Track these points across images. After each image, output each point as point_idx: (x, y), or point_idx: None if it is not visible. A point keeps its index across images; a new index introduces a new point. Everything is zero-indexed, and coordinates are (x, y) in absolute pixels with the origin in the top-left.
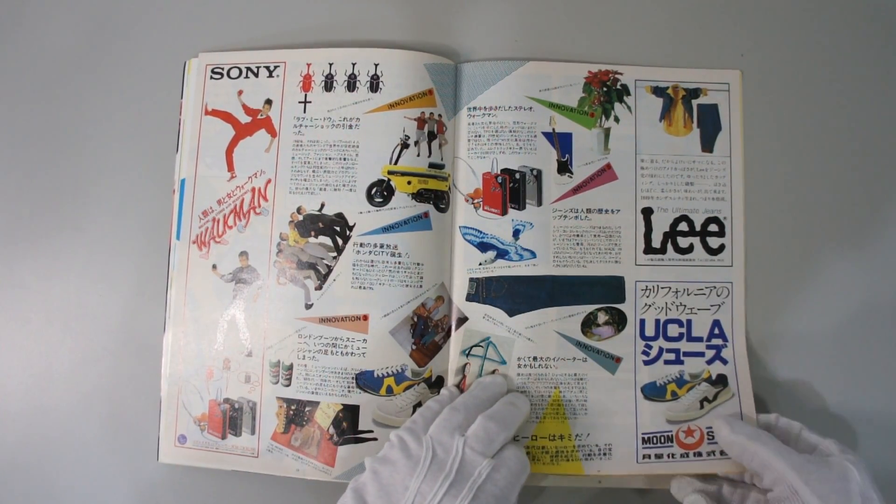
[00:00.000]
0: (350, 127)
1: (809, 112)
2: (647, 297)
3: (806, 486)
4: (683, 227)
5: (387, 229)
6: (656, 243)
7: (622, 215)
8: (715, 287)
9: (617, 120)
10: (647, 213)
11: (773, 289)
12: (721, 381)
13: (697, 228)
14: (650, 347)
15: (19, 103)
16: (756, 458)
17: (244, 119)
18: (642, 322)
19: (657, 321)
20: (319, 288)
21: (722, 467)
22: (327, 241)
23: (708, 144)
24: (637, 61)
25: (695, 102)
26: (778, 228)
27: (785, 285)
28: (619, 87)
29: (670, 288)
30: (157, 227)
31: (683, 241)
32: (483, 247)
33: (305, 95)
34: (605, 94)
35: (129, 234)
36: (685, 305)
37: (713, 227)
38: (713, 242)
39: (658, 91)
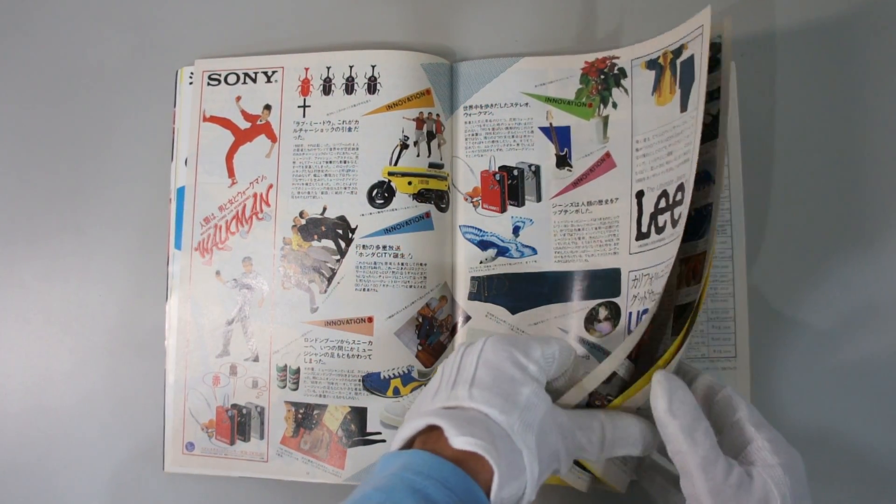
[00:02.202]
0: (349, 129)
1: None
2: (636, 287)
3: None
4: (662, 203)
5: (389, 230)
6: (644, 227)
7: (620, 203)
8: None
9: (615, 106)
10: (640, 196)
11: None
12: None
13: (670, 201)
14: None
15: (20, 106)
16: (679, 457)
17: (243, 125)
18: (629, 316)
19: (638, 313)
20: (324, 291)
21: None
22: (330, 244)
23: (685, 103)
24: (634, 41)
25: (678, 62)
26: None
27: (788, 281)
28: (616, 71)
29: (648, 274)
30: (157, 229)
31: (661, 219)
32: (483, 245)
33: (304, 100)
34: (603, 82)
35: (129, 235)
36: (656, 293)
37: (679, 196)
38: (678, 213)
39: (651, 64)
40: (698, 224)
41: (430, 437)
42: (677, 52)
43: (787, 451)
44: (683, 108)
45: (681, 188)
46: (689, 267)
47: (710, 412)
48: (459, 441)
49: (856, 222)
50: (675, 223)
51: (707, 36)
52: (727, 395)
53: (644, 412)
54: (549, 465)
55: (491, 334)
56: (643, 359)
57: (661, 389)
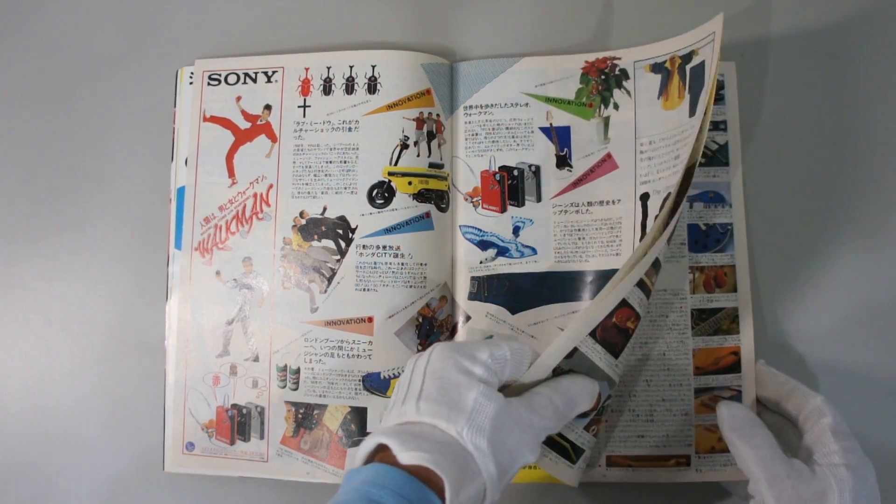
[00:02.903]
0: (349, 129)
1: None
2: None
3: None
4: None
5: (389, 230)
6: (649, 229)
7: (622, 205)
8: None
9: (616, 107)
10: (644, 198)
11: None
12: None
13: None
14: None
15: (19, 106)
16: (740, 459)
17: (244, 125)
18: None
19: None
20: (324, 291)
21: (725, 476)
22: (330, 244)
23: (693, 108)
24: (634, 43)
25: (688, 68)
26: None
27: (790, 277)
28: (617, 72)
29: None
30: (157, 229)
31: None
32: (483, 245)
33: (304, 100)
34: (604, 83)
35: (129, 235)
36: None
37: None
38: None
39: (657, 67)
40: (713, 238)
41: (388, 452)
42: (687, 57)
43: (860, 458)
44: (692, 112)
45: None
46: (706, 276)
47: (798, 418)
48: (406, 457)
49: (856, 222)
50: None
51: (718, 44)
52: (817, 404)
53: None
54: (513, 459)
55: (479, 333)
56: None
57: (721, 410)
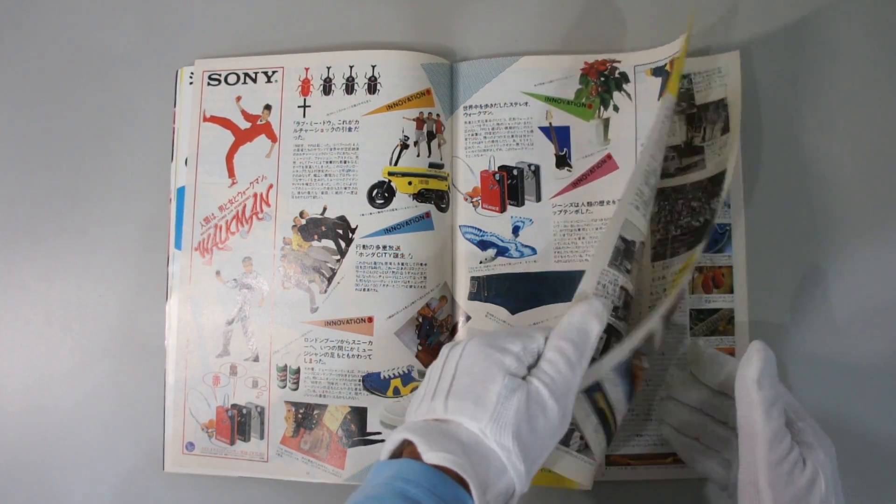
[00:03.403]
0: (349, 129)
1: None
2: None
3: (770, 492)
4: None
5: (389, 230)
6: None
7: None
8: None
9: (616, 109)
10: None
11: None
12: None
13: None
14: None
15: (20, 107)
16: (749, 425)
17: (244, 125)
18: None
19: None
20: (324, 291)
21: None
22: (330, 244)
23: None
24: (633, 44)
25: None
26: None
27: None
28: (617, 75)
29: None
30: (157, 229)
31: None
32: (483, 245)
33: (304, 100)
34: (603, 84)
35: (129, 235)
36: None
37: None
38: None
39: (657, 71)
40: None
41: (415, 448)
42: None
43: (824, 438)
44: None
45: None
46: (704, 277)
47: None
48: (431, 457)
49: (856, 222)
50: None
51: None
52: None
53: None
54: (543, 445)
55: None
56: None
57: (756, 359)
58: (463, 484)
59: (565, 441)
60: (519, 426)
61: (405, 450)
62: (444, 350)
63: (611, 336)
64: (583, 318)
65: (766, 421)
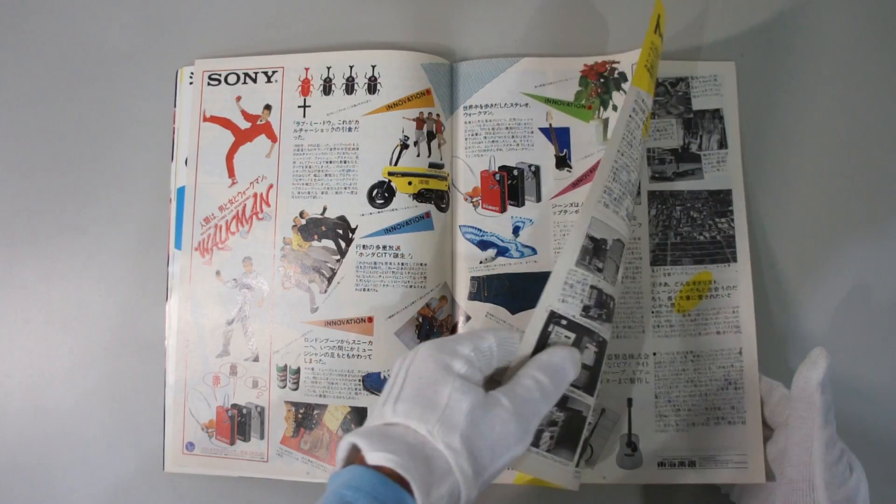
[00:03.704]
0: (349, 129)
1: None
2: None
3: (825, 491)
4: None
5: (389, 230)
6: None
7: None
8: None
9: (615, 108)
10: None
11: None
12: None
13: None
14: None
15: (20, 106)
16: (805, 426)
17: (244, 125)
18: None
19: None
20: (324, 291)
21: (724, 477)
22: (330, 244)
23: None
24: (633, 46)
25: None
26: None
27: (794, 279)
28: (616, 75)
29: None
30: (157, 229)
31: None
32: (483, 245)
33: (304, 100)
34: (603, 86)
35: (129, 235)
36: None
37: None
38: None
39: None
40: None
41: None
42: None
43: (853, 456)
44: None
45: None
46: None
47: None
48: (373, 457)
49: (857, 222)
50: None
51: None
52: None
53: None
54: (494, 454)
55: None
56: None
57: (822, 361)
58: (406, 485)
59: (535, 442)
60: (469, 429)
61: (357, 457)
62: (396, 361)
63: (582, 335)
64: (563, 361)
65: (825, 424)
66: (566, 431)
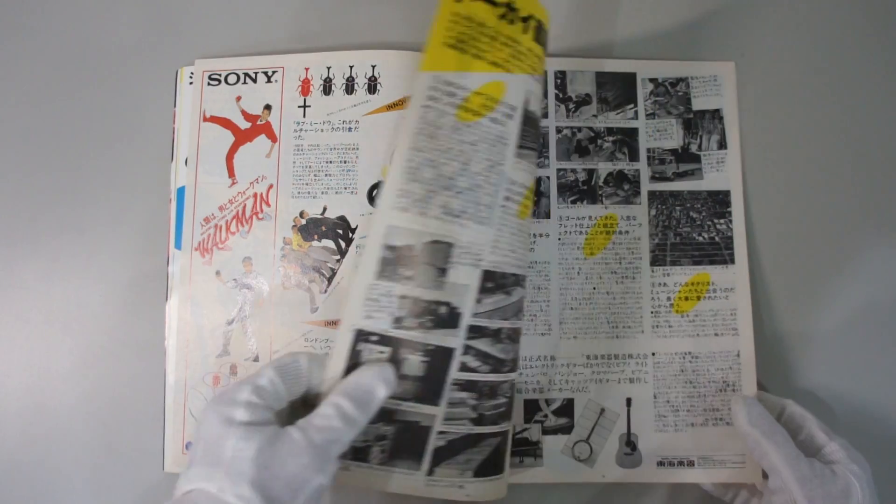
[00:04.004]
0: (350, 130)
1: (806, 97)
2: None
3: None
4: None
5: None
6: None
7: None
8: None
9: None
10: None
11: (780, 284)
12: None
13: None
14: None
15: (19, 106)
16: (766, 459)
17: (244, 125)
18: None
19: None
20: (324, 291)
21: (722, 476)
22: (330, 244)
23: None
24: (637, 52)
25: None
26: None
27: (792, 281)
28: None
29: None
30: (157, 229)
31: None
32: None
33: (304, 100)
34: None
35: (129, 235)
36: None
37: None
38: None
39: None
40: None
41: None
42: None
43: (856, 454)
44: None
45: None
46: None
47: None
48: None
49: (857, 222)
50: None
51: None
52: (793, 409)
53: None
54: (293, 491)
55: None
56: None
57: (739, 406)
58: None
59: (363, 458)
60: (259, 473)
61: None
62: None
63: (399, 348)
64: (371, 381)
65: (775, 448)
66: (400, 443)
